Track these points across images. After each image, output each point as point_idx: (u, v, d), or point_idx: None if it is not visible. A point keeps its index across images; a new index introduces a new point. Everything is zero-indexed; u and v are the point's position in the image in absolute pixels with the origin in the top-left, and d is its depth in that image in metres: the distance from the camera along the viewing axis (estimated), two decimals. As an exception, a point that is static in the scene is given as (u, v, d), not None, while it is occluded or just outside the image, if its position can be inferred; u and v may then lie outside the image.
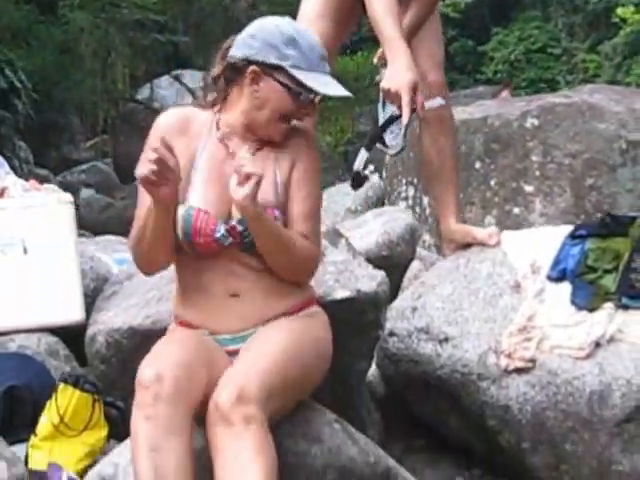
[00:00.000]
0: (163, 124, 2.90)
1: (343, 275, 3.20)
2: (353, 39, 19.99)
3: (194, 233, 2.78)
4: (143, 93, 15.33)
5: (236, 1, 13.99)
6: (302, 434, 2.84)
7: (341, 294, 3.15)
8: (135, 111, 15.45)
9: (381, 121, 3.55)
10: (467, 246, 3.88)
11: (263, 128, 2.86)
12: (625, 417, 3.32)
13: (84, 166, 17.58)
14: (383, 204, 8.53)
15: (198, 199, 2.81)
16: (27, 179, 4.38)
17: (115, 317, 3.45)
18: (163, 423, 2.52)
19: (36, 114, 15.49)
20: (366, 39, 19.01)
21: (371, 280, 3.22)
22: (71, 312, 3.71)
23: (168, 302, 3.26)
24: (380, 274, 3.26)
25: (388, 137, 3.56)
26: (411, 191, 7.97)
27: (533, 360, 3.42)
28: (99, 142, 17.89)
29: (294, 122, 2.92)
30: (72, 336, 3.72)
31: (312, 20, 3.85)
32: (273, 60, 2.81)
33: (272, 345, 2.72)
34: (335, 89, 2.85)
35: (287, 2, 13.88)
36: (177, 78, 14.63)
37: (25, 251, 3.70)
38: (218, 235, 2.77)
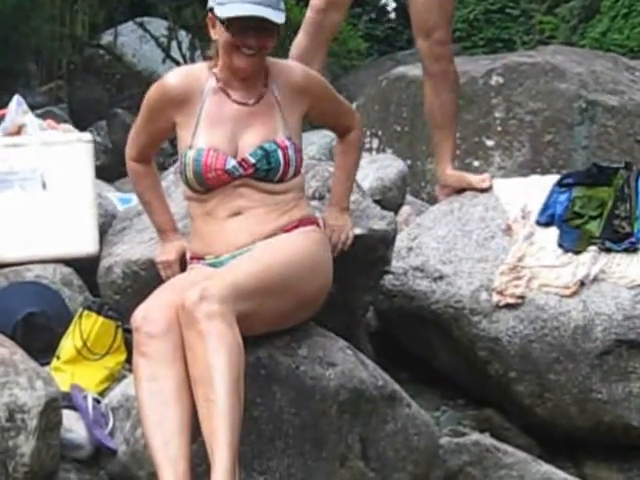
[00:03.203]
0: (170, 89, 3.14)
1: (355, 214, 3.42)
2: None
3: (205, 170, 3.03)
4: (105, 39, 15.22)
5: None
6: (318, 359, 3.08)
7: (355, 231, 3.34)
8: (95, 57, 15.37)
9: None
10: (461, 191, 4.12)
11: (232, 66, 3.09)
12: (605, 349, 3.66)
13: (38, 111, 17.36)
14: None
15: (206, 141, 3.07)
16: None
17: (131, 250, 3.63)
18: (157, 357, 2.77)
19: (-7, 58, 15.29)
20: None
21: (381, 219, 3.46)
22: (86, 245, 3.86)
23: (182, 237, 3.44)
24: (389, 214, 3.51)
25: None
26: (375, 143, 8.13)
27: (522, 297, 3.71)
28: (54, 87, 17.74)
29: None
30: (84, 268, 3.87)
31: None
32: (210, 4, 3.10)
33: (252, 254, 2.97)
34: (247, 11, 2.98)
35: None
36: (141, 25, 14.56)
37: (44, 186, 3.82)
38: (229, 167, 3.03)
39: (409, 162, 6.89)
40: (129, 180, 3.50)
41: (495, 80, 7.08)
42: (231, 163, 3.04)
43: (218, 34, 3.08)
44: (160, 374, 2.75)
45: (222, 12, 3.02)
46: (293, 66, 3.27)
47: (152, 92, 3.19)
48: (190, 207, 3.20)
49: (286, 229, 3.05)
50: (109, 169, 9.14)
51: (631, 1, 12.71)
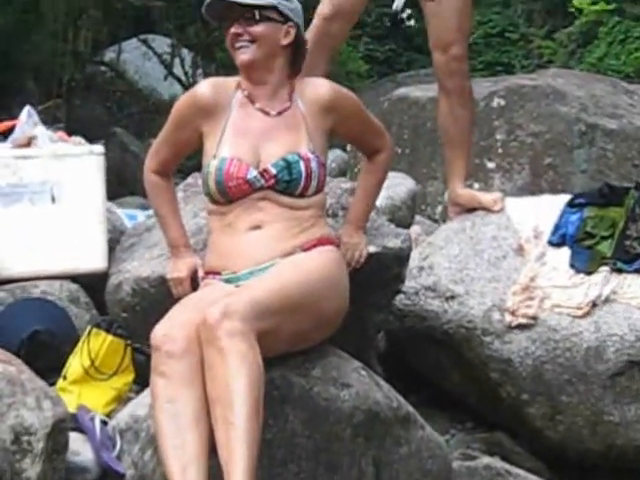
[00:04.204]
0: (200, 98, 3.18)
1: (369, 232, 3.39)
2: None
3: (227, 178, 3.04)
4: (108, 56, 15.22)
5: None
6: (332, 379, 3.05)
7: (369, 249, 3.32)
8: (96, 74, 15.36)
9: None
10: (472, 210, 4.09)
11: (237, 65, 3.14)
12: (618, 371, 3.64)
13: (36, 129, 17.34)
14: (345, 175, 8.68)
15: (230, 151, 3.08)
16: None
17: (141, 266, 3.58)
18: (176, 378, 2.73)
19: (-9, 75, 15.27)
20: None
21: (396, 237, 3.44)
22: (95, 260, 3.80)
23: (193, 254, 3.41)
24: (404, 232, 3.50)
25: None
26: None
27: (535, 317, 3.70)
28: (52, 106, 17.72)
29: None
30: (92, 284, 3.82)
31: None
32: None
33: (271, 272, 2.95)
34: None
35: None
36: (145, 42, 14.58)
37: (53, 200, 3.77)
38: (250, 177, 3.03)
39: None
40: (126, 201, 3.48)
41: (497, 102, 7.11)
42: (253, 173, 3.04)
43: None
44: (179, 396, 2.71)
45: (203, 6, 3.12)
46: (321, 83, 3.25)
47: (182, 101, 3.24)
48: (210, 220, 3.19)
49: (305, 247, 3.04)
50: (107, 188, 9.12)
51: (628, 27, 12.83)
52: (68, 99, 16.48)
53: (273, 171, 3.04)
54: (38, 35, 14.67)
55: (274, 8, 3.09)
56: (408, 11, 3.83)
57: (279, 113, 3.13)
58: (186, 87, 14.29)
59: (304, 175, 3.04)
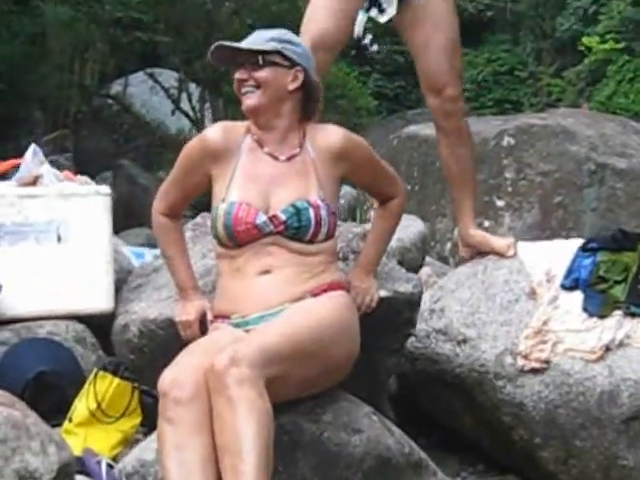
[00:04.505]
0: (210, 142, 3.16)
1: (380, 276, 3.36)
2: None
3: (235, 223, 3.01)
4: (115, 89, 15.28)
5: (219, 6, 14.07)
6: (343, 425, 3.00)
7: (379, 293, 3.29)
8: (103, 106, 15.41)
9: None
10: (484, 254, 4.06)
11: (244, 110, 3.13)
12: (632, 415, 3.57)
13: (43, 159, 17.41)
14: (354, 211, 8.68)
15: (239, 195, 3.06)
16: None
17: (148, 308, 3.54)
18: (184, 425, 2.68)
19: (-2, 104, 15.33)
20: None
21: (407, 282, 3.41)
22: (101, 301, 3.78)
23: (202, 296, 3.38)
24: (415, 277, 3.47)
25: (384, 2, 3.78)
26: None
27: (548, 361, 3.65)
28: (60, 136, 17.76)
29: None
30: (98, 325, 3.81)
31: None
32: None
33: (281, 318, 2.91)
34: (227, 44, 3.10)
35: (269, 10, 13.94)
36: (152, 76, 14.64)
37: (59, 240, 3.76)
38: (259, 222, 3.01)
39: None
40: (133, 232, 3.46)
41: (507, 141, 7.14)
42: (262, 218, 3.01)
43: None
44: (187, 443, 2.66)
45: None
46: (333, 130, 3.21)
47: (191, 145, 3.21)
48: (219, 263, 3.16)
49: (315, 292, 3.01)
50: (113, 220, 9.13)
51: (637, 66, 12.87)
52: (75, 130, 16.53)
53: (282, 217, 3.02)
54: (45, 67, 14.73)
55: (278, 53, 3.07)
56: (369, 36, 3.80)
57: (289, 158, 3.11)
58: (193, 121, 14.37)
59: (313, 222, 3.02)
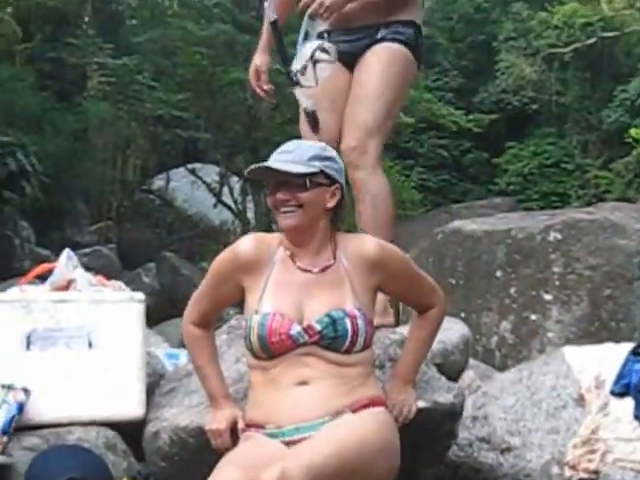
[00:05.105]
0: (242, 255, 3.10)
1: (419, 385, 3.25)
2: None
3: (269, 334, 2.93)
4: (156, 183, 15.48)
5: (259, 101, 14.26)
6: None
7: (418, 404, 3.18)
8: (145, 201, 15.60)
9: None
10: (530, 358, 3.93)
11: (281, 229, 3.07)
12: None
13: (87, 250, 17.63)
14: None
15: (272, 306, 2.98)
16: (28, 258, 4.40)
17: (179, 415, 3.47)
18: None
19: (44, 197, 15.60)
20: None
21: (447, 391, 3.28)
22: (132, 408, 3.69)
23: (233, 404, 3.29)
24: (456, 386, 3.34)
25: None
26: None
27: (597, 472, 3.52)
28: (104, 227, 17.96)
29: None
30: (129, 431, 3.71)
31: None
32: None
33: (330, 436, 2.80)
34: (274, 164, 2.99)
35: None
36: (193, 171, 14.81)
37: (90, 345, 3.69)
38: (293, 332, 2.92)
39: (463, 315, 6.89)
40: (174, 322, 3.39)
41: (553, 236, 7.06)
42: (296, 329, 2.93)
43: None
44: None
45: (252, 168, 3.04)
46: (366, 239, 3.14)
47: (223, 257, 3.14)
48: (252, 375, 3.08)
49: (354, 408, 2.91)
50: (156, 311, 9.16)
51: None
52: (118, 222, 16.72)
53: (318, 327, 2.93)
54: (88, 162, 15.00)
55: (321, 172, 3.01)
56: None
57: (322, 270, 3.04)
58: (236, 214, 14.45)
59: (350, 332, 2.93)
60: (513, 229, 7.26)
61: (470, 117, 19.50)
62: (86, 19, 18.87)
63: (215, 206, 14.63)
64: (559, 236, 7.00)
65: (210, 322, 3.24)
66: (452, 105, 20.28)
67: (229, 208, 14.53)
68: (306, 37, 3.78)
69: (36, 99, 16.18)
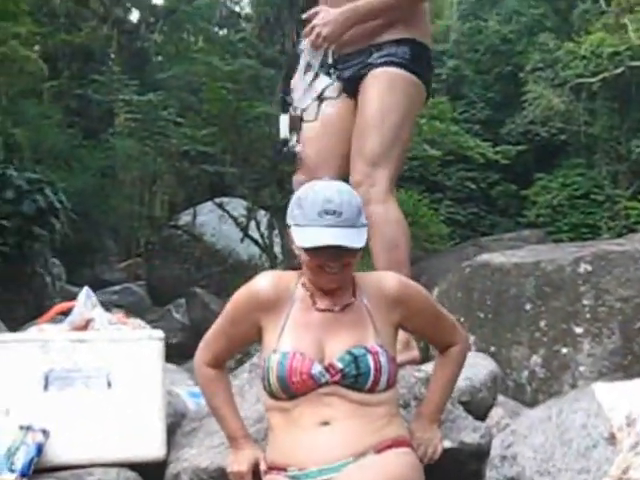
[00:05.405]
0: (260, 293, 3.02)
1: (445, 424, 3.17)
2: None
3: (289, 374, 2.85)
4: (184, 219, 15.50)
5: (284, 136, 14.28)
6: None
7: (444, 444, 3.10)
8: (173, 236, 15.62)
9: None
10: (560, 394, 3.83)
11: (316, 284, 2.95)
12: None
13: (117, 287, 17.67)
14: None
15: (292, 345, 2.90)
16: (59, 295, 4.37)
17: (199, 456, 3.41)
18: None
19: (73, 234, 15.66)
20: (408, 178, 19.26)
21: (474, 431, 3.20)
22: (153, 448, 3.61)
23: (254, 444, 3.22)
24: (483, 425, 3.26)
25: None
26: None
27: (629, 513, 3.36)
28: (133, 264, 17.98)
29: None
30: (150, 471, 3.63)
31: None
32: (288, 221, 2.95)
33: (354, 478, 2.74)
34: (323, 241, 2.83)
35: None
36: (220, 206, 14.81)
37: (109, 385, 3.62)
38: (314, 372, 2.84)
39: (493, 349, 6.79)
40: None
41: (583, 268, 6.96)
42: (317, 368, 2.85)
43: (298, 250, 2.94)
44: None
45: (299, 238, 2.88)
46: (386, 276, 3.08)
47: (240, 295, 3.06)
48: (271, 417, 3.00)
49: (379, 449, 2.83)
50: (186, 347, 9.11)
51: None
52: (147, 258, 16.73)
53: (339, 365, 2.85)
54: (115, 198, 15.06)
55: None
56: (295, 137, 3.66)
57: (342, 309, 2.96)
58: (263, 249, 14.42)
59: (372, 370, 2.85)
60: (542, 261, 7.17)
61: (497, 149, 19.44)
62: (112, 56, 19.03)
63: (242, 240, 14.61)
64: (589, 268, 6.90)
65: (224, 362, 3.17)
66: (479, 137, 20.21)
67: (256, 242, 14.50)
68: (308, 68, 3.70)
69: (63, 136, 16.31)
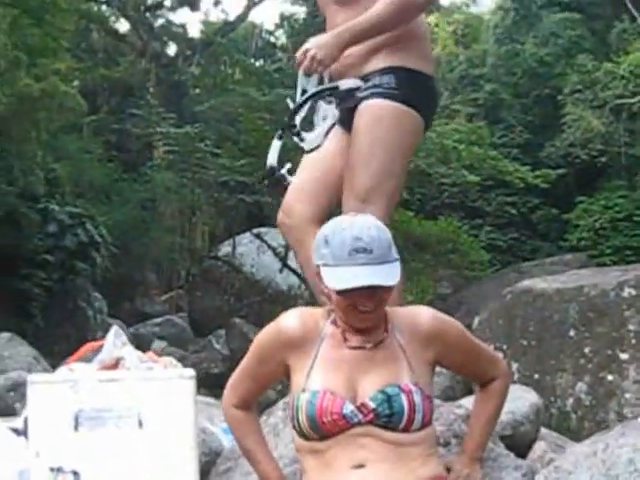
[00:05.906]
0: (287, 331, 2.92)
1: (486, 463, 3.06)
2: (435, 204, 20.17)
3: (320, 414, 2.75)
4: (223, 250, 15.52)
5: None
6: None
7: (484, 484, 2.99)
8: (213, 267, 15.64)
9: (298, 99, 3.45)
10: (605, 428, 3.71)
11: (347, 323, 2.83)
12: None
13: (158, 319, 17.71)
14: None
15: (322, 384, 2.80)
16: (101, 329, 4.31)
17: (242, 497, 3.34)
18: None
19: (113, 267, 15.73)
20: (447, 205, 19.18)
21: (515, 469, 3.09)
22: (185, 490, 3.54)
23: (291, 483, 3.14)
24: (525, 463, 3.14)
25: (309, 134, 3.48)
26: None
27: None
28: (174, 296, 18.01)
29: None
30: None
31: None
32: (316, 261, 2.81)
33: None
34: (356, 281, 2.72)
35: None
36: (259, 236, 14.81)
37: (140, 425, 3.54)
38: (346, 411, 2.74)
39: (537, 376, 6.81)
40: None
41: (627, 292, 6.87)
42: (349, 408, 2.74)
43: (328, 289, 2.82)
44: None
45: (330, 279, 2.76)
46: (420, 311, 2.95)
47: (266, 333, 2.96)
48: (303, 459, 2.88)
49: None
50: (226, 377, 9.05)
51: None
52: (189, 290, 16.74)
53: (372, 405, 2.74)
54: (156, 231, 15.12)
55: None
56: (288, 165, 3.55)
57: (375, 345, 2.84)
58: (302, 278, 14.37)
59: (406, 409, 2.73)
60: (585, 286, 7.07)
61: (537, 173, 19.29)
62: (150, 89, 19.14)
63: (281, 271, 14.59)
64: (634, 292, 6.80)
65: (252, 403, 3.06)
66: (518, 161, 20.09)
67: (295, 272, 14.46)
68: (303, 94, 3.59)
69: (103, 170, 16.43)
